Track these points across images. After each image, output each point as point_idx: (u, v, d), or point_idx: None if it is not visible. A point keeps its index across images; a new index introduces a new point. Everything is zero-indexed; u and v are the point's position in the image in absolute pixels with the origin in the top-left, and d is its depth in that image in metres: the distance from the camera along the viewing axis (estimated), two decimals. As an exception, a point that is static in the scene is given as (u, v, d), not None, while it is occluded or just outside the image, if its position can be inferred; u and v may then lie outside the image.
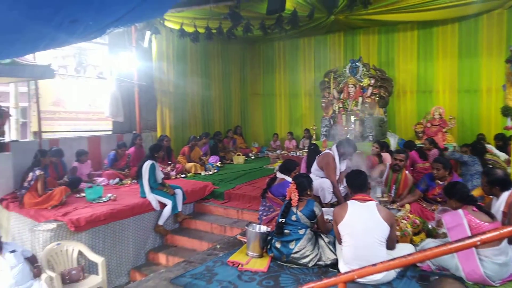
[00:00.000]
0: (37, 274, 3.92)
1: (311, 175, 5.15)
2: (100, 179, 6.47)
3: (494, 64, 7.99)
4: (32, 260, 4.00)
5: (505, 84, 4.51)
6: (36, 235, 4.51)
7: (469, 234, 2.95)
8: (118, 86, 7.69)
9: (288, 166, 4.48)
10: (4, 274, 3.70)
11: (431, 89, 9.00)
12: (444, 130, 8.21)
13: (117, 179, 6.62)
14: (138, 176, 5.63)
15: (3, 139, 6.01)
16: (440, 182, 4.46)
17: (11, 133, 9.50)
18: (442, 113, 8.35)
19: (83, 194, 5.50)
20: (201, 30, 7.89)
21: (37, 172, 5.17)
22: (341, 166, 5.17)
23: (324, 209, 4.08)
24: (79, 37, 3.25)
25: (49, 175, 5.71)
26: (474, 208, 3.14)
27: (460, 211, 3.13)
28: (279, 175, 4.45)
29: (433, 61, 8.91)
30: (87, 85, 10.68)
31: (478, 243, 1.98)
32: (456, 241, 1.99)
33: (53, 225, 4.49)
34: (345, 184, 4.96)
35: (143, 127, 8.27)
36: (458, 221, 3.07)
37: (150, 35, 7.84)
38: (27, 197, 5.05)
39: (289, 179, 4.31)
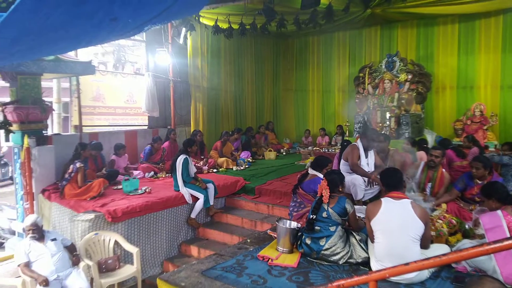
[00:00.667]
0: (75, 262, 4.13)
1: (342, 171, 5.14)
2: (136, 172, 6.70)
3: (541, 58, 7.55)
4: (71, 249, 4.21)
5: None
6: (75, 225, 4.75)
7: (508, 235, 2.83)
8: (154, 82, 7.91)
9: (320, 163, 4.45)
10: (46, 261, 3.93)
11: (472, 84, 8.61)
12: (485, 127, 7.85)
13: (152, 173, 6.82)
14: (172, 170, 5.77)
15: (46, 133, 6.34)
16: (479, 182, 4.28)
17: (53, 127, 10.01)
18: (483, 110, 7.99)
19: (120, 186, 5.71)
20: (235, 26, 7.96)
21: (78, 165, 5.41)
22: (369, 159, 5.09)
23: (356, 207, 4.03)
24: (119, 34, 3.38)
25: (89, 168, 5.96)
26: None
27: (499, 211, 3.01)
28: (311, 171, 4.43)
29: (475, 56, 8.52)
30: (125, 81, 11.05)
31: (518, 244, 1.91)
32: (494, 242, 1.92)
33: (91, 216, 4.70)
34: (375, 185, 4.90)
35: (177, 122, 8.47)
36: (497, 222, 2.95)
37: (186, 31, 7.99)
38: (67, 188, 5.30)
39: (321, 175, 4.28)
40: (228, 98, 9.73)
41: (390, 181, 3.25)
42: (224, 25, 7.95)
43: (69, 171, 5.40)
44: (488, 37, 8.29)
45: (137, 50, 12.21)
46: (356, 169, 4.94)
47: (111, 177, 6.01)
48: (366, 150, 5.10)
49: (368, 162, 5.12)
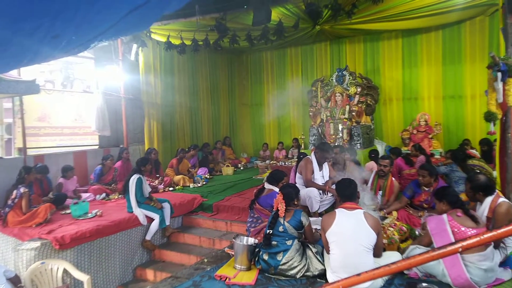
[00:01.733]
0: (20, 295, 3.84)
1: (297, 185, 5.21)
2: (86, 195, 6.39)
3: (477, 70, 8.12)
4: (15, 281, 3.91)
5: (487, 90, 4.57)
6: (19, 255, 4.43)
7: (452, 239, 2.98)
8: (105, 99, 7.66)
9: (276, 177, 4.48)
10: (-14, 296, 3.62)
11: (416, 96, 9.13)
12: (430, 136, 8.33)
13: (103, 194, 6.54)
14: (124, 191, 5.58)
15: (-14, 157, 5.92)
16: (426, 189, 4.51)
17: (-5, 150, 9.35)
18: (427, 120, 8.47)
19: (68, 211, 5.42)
20: (188, 42, 7.93)
21: (22, 190, 5.08)
22: (324, 172, 5.22)
23: (312, 219, 4.09)
24: (63, 52, 3.26)
25: (34, 192, 5.63)
26: (459, 213, 3.18)
27: (444, 216, 3.17)
28: (267, 186, 4.45)
29: (418, 68, 9.05)
30: (74, 99, 10.60)
31: (460, 249, 2.00)
32: (439, 248, 2.00)
33: (37, 244, 4.41)
34: (330, 194, 5.02)
35: (130, 141, 8.22)
36: (442, 226, 3.11)
37: (137, 48, 7.84)
38: (10, 216, 4.96)
39: (277, 189, 4.32)
40: (183, 114, 9.62)
41: (345, 192, 3.33)
42: (177, 41, 7.89)
43: (12, 197, 5.07)
44: (429, 51, 8.85)
45: (86, 67, 11.80)
46: (310, 184, 5.04)
47: (59, 201, 5.70)
48: (320, 163, 5.21)
49: (323, 175, 5.24)
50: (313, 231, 3.69)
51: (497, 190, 3.55)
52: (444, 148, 8.26)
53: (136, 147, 8.37)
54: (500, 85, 4.24)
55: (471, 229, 3.04)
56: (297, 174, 5.32)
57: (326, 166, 5.31)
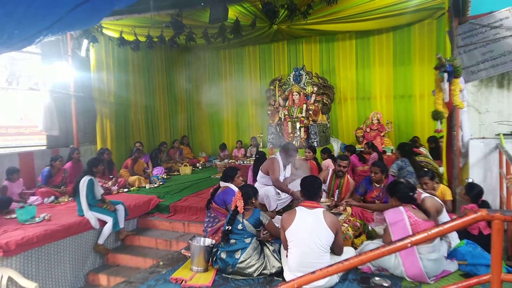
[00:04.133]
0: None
1: (257, 184, 5.23)
2: (33, 198, 6.02)
3: (425, 71, 8.51)
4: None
5: (434, 90, 4.80)
6: (-44, 264, 4.08)
7: (409, 229, 3.12)
8: (53, 97, 7.26)
9: (229, 173, 4.50)
10: None
11: (369, 95, 9.45)
12: (382, 134, 8.66)
13: (52, 197, 6.19)
14: (75, 193, 5.31)
15: None
16: (377, 185, 4.66)
17: None
18: (380, 118, 8.80)
19: (14, 215, 5.08)
20: (142, 39, 7.70)
21: (-42, 194, 4.70)
22: (286, 172, 5.27)
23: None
24: (4, 46, 3.04)
25: (-26, 197, 5.22)
26: (414, 206, 3.31)
27: (401, 208, 3.29)
28: (222, 184, 4.44)
29: (371, 69, 9.37)
30: (19, 97, 9.96)
31: (409, 245, 2.08)
32: (389, 244, 2.07)
33: (-23, 252, 4.08)
34: (286, 192, 5.07)
35: (81, 141, 7.86)
36: (400, 217, 3.22)
37: (88, 43, 7.49)
38: None
39: (232, 186, 4.33)
40: (138, 113, 9.35)
41: (308, 190, 3.32)
42: (130, 38, 7.64)
43: None
44: (381, 52, 9.19)
45: (33, 63, 11.15)
46: (278, 184, 5.04)
47: (3, 205, 5.34)
48: (284, 164, 5.24)
49: (285, 175, 5.29)
50: (276, 227, 3.70)
51: (417, 190, 3.67)
52: (395, 145, 8.60)
53: (87, 147, 8.02)
54: (446, 85, 4.47)
55: (423, 220, 3.18)
56: (260, 173, 5.30)
57: (289, 168, 5.36)
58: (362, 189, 4.78)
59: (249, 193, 3.66)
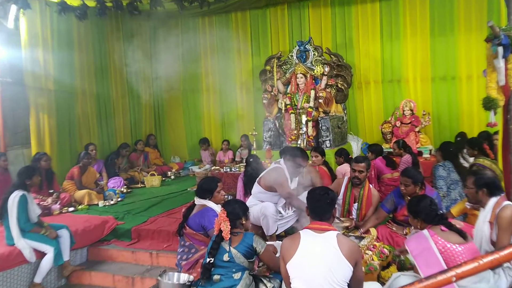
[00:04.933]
0: None
1: (251, 200, 5.21)
2: None
3: (473, 44, 8.55)
4: None
5: (485, 70, 4.81)
6: None
7: (440, 258, 3.12)
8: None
9: (206, 186, 4.45)
10: None
11: (399, 77, 9.48)
12: (416, 129, 8.68)
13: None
14: (2, 215, 5.28)
15: None
16: (411, 199, 4.66)
17: None
18: (413, 108, 8.82)
19: None
20: (91, 4, 7.66)
21: None
22: (292, 186, 5.24)
23: (269, 243, 4.09)
24: None
25: None
26: (443, 228, 3.32)
27: (425, 231, 3.30)
28: (198, 201, 4.42)
29: (401, 42, 9.38)
30: None
31: (454, 279, 2.09)
32: (427, 278, 2.08)
33: None
34: (293, 210, 5.07)
35: (9, 143, 7.82)
36: (424, 244, 3.23)
37: (17, 10, 7.46)
38: None
39: (211, 204, 4.31)
40: (87, 104, 9.35)
41: (316, 207, 3.26)
42: (75, 2, 7.60)
43: None
44: (414, 18, 9.20)
45: None
46: (293, 201, 4.98)
47: None
48: (291, 175, 5.19)
49: (292, 186, 5.26)
50: (275, 256, 3.69)
51: (504, 192, 3.73)
52: (434, 144, 8.64)
53: (18, 151, 8.00)
54: (501, 63, 4.46)
55: (458, 245, 3.18)
56: (257, 187, 5.24)
57: (296, 180, 5.32)
58: (390, 204, 4.78)
59: (236, 211, 3.65)
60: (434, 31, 9.12)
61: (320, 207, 3.25)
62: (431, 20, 9.11)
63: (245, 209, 3.78)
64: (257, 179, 5.32)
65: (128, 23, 10.34)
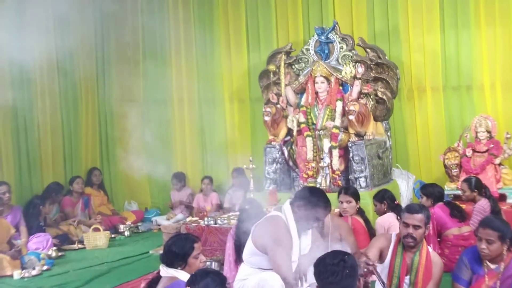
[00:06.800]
0: None
1: (244, 267, 5.17)
2: None
3: None
4: None
5: None
6: None
7: None
8: None
9: (178, 249, 4.39)
10: None
11: (469, 83, 9.51)
12: (497, 161, 8.62)
13: None
14: None
15: None
16: (493, 266, 4.60)
17: None
18: (492, 129, 8.79)
19: None
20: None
21: None
22: (302, 243, 5.19)
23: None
24: None
25: None
26: None
27: None
28: (165, 271, 4.36)
29: (471, 32, 9.44)
30: None
31: None
32: None
33: None
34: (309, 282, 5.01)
35: None
36: None
37: None
38: None
39: (184, 275, 4.24)
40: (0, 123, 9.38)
41: (329, 284, 3.23)
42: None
43: None
44: (490, 2, 9.25)
45: None
46: (290, 282, 4.95)
47: None
48: (299, 231, 5.14)
49: (301, 248, 5.20)
50: None
51: None
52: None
53: None
54: None
55: None
56: (250, 247, 5.20)
57: (309, 234, 5.27)
58: (465, 272, 4.70)
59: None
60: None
61: (334, 283, 3.19)
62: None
63: (223, 280, 3.70)
64: (251, 233, 5.28)
65: (64, 8, 10.40)
